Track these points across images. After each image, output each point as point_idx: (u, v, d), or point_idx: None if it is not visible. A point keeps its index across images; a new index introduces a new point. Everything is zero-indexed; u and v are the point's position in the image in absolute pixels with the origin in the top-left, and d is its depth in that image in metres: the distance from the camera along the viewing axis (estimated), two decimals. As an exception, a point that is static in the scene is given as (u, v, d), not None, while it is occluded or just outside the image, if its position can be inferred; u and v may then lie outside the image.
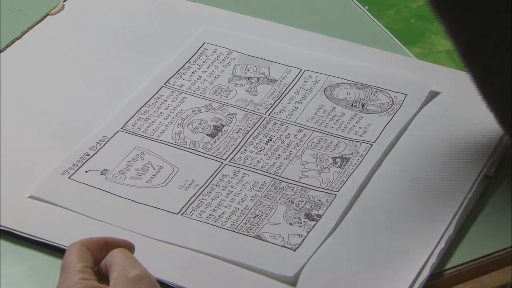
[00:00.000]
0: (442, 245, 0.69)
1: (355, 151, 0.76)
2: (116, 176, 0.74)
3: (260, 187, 0.73)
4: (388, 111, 0.79)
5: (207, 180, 0.74)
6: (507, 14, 0.66)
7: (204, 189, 0.73)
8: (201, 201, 0.72)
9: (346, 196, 0.72)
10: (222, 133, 0.78)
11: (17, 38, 0.86)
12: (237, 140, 0.77)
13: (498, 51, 0.66)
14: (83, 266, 0.61)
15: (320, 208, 0.72)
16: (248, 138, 0.77)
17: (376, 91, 0.81)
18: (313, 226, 0.70)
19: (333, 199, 0.72)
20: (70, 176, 0.74)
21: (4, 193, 0.73)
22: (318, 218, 0.71)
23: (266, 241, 0.69)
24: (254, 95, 0.81)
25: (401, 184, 0.74)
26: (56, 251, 0.69)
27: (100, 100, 0.81)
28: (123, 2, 0.90)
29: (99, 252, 0.62)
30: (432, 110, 0.79)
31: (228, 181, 0.74)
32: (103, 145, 0.76)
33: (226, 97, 0.81)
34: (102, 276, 0.62)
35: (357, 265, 0.68)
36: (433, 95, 0.80)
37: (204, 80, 0.83)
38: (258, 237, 0.70)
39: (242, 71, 0.83)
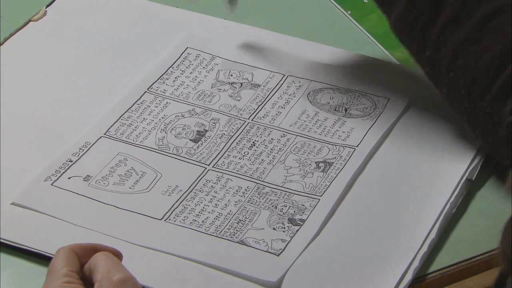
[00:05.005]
0: (425, 248, 0.69)
1: (338, 155, 0.76)
2: (99, 182, 0.74)
3: (243, 192, 0.73)
4: (371, 115, 0.80)
5: (191, 186, 0.74)
6: (459, 28, 0.68)
7: (188, 194, 0.73)
8: (184, 207, 0.72)
9: (330, 201, 0.73)
10: (206, 138, 0.78)
11: (-1, 45, 0.86)
12: (221, 145, 0.77)
13: (456, 63, 0.69)
14: (68, 270, 0.61)
15: (303, 212, 0.72)
16: (232, 143, 0.77)
17: (359, 95, 0.81)
18: (297, 231, 0.70)
19: (317, 204, 0.72)
20: (53, 182, 0.74)
21: (-14, 200, 0.72)
22: (302, 223, 0.71)
23: (250, 246, 0.69)
24: (237, 100, 0.81)
25: (384, 188, 0.74)
26: (39, 258, 0.69)
27: (82, 106, 0.81)
28: (105, 8, 0.90)
29: (87, 257, 0.62)
30: (414, 114, 0.79)
31: (212, 186, 0.74)
32: (86, 151, 0.76)
33: (210, 102, 0.81)
34: (86, 280, 0.62)
35: (341, 270, 0.68)
36: (415, 99, 0.81)
37: (187, 85, 0.83)
38: (241, 242, 0.70)
39: (225, 76, 0.83)
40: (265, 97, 0.81)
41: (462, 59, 0.70)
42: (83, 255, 0.62)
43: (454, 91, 0.71)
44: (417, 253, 0.69)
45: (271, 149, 0.77)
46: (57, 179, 0.74)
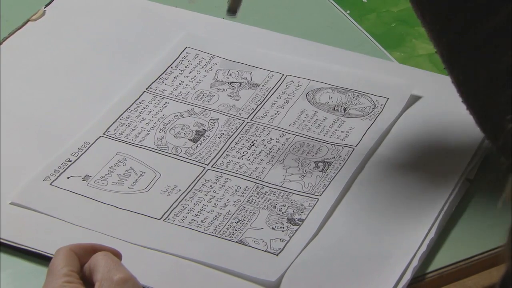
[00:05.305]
0: (424, 248, 0.69)
1: (337, 155, 0.76)
2: (98, 182, 0.74)
3: (242, 192, 0.74)
4: (370, 115, 0.80)
5: (190, 185, 0.74)
6: (487, 17, 0.67)
7: (187, 194, 0.73)
8: (183, 207, 0.72)
9: (328, 200, 0.73)
10: (205, 138, 0.78)
11: (-2, 44, 0.86)
12: (220, 145, 0.77)
13: (478, 53, 0.67)
14: (68, 270, 0.61)
15: (302, 212, 0.72)
16: (231, 143, 0.77)
17: (358, 95, 0.81)
18: (296, 230, 0.71)
19: (315, 203, 0.72)
20: (52, 182, 0.74)
21: (-15, 200, 0.73)
22: (301, 223, 0.71)
23: (249, 246, 0.69)
24: (236, 100, 0.81)
25: (382, 188, 0.74)
26: (38, 258, 0.69)
27: (81, 105, 0.81)
28: (104, 8, 0.90)
29: (87, 257, 0.63)
30: (413, 114, 0.79)
31: (211, 186, 0.74)
32: (85, 151, 0.76)
33: (208, 102, 0.81)
34: (86, 280, 0.62)
35: (340, 269, 0.68)
36: (414, 98, 0.81)
37: (186, 85, 0.83)
38: (240, 242, 0.70)
39: (224, 76, 0.83)
40: (264, 96, 0.82)
41: (487, 50, 0.68)
42: (83, 255, 0.62)
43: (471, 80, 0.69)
44: (416, 253, 0.69)
45: (270, 149, 0.77)
46: (56, 179, 0.74)
